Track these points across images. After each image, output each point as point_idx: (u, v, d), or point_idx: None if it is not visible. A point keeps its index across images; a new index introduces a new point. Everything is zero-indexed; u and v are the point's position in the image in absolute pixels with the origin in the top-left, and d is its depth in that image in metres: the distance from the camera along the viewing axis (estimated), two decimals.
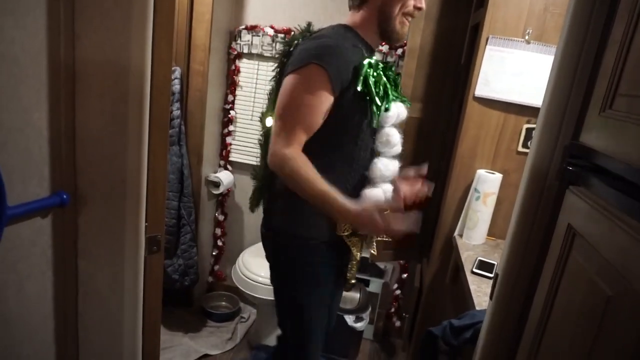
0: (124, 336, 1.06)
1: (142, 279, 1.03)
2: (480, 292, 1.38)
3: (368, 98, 1.16)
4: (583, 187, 0.67)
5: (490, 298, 0.93)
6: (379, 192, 1.23)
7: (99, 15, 0.87)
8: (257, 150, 2.03)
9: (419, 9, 1.23)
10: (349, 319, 2.13)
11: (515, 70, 1.64)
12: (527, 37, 1.60)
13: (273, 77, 1.34)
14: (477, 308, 1.29)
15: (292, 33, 1.46)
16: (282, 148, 1.10)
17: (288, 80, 1.13)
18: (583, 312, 0.59)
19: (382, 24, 1.22)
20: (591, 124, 0.67)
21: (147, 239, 1.02)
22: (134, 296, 1.03)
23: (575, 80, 0.73)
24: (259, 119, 2.07)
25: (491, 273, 1.49)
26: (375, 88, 1.15)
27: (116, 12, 0.86)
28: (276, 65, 1.33)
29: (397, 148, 1.28)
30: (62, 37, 0.85)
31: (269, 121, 1.31)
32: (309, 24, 1.33)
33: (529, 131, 1.69)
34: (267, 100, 1.42)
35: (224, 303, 2.58)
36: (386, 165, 1.24)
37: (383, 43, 1.33)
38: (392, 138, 1.23)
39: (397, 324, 2.44)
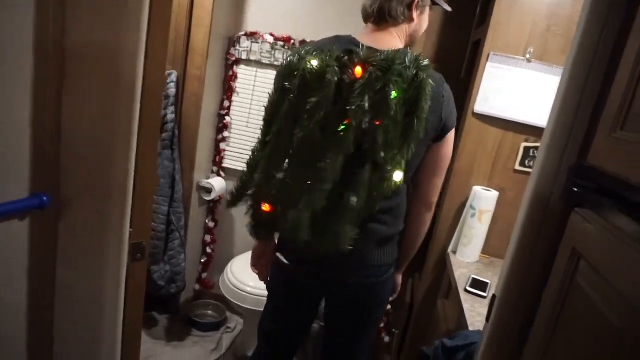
0: (103, 348, 1.00)
1: (123, 287, 0.98)
2: (474, 311, 1.35)
3: None
4: (589, 209, 0.64)
5: (487, 320, 0.90)
6: None
7: (91, 10, 0.83)
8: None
9: None
10: None
11: (515, 88, 1.62)
12: (528, 56, 1.59)
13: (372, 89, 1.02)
14: (470, 328, 1.25)
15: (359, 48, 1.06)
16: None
17: (452, 136, 1.23)
18: (588, 345, 0.56)
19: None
20: (601, 144, 0.64)
21: (132, 245, 0.98)
22: (114, 306, 0.98)
23: (584, 97, 0.70)
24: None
25: (485, 292, 1.46)
26: None
27: (110, 8, 0.82)
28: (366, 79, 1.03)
29: None
30: (50, 32, 0.81)
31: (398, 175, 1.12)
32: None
33: (527, 149, 1.67)
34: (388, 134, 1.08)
35: (210, 312, 2.52)
36: None
37: None
38: None
39: (386, 339, 2.39)
